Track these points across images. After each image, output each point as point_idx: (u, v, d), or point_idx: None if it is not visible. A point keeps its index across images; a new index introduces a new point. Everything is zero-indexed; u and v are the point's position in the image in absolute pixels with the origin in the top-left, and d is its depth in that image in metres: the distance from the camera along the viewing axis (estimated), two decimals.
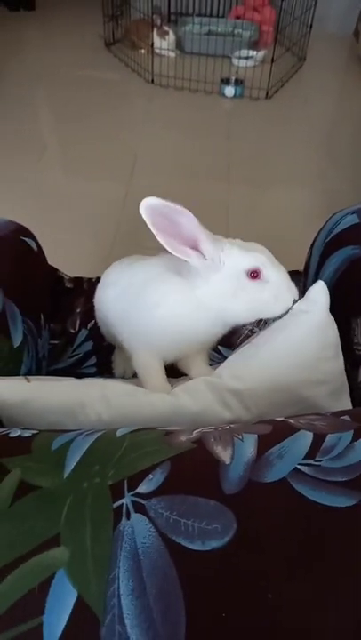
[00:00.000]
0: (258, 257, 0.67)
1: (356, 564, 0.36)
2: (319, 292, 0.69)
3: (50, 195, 2.24)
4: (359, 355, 0.91)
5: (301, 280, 1.26)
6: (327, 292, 0.70)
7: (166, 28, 3.21)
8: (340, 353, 0.71)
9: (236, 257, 0.66)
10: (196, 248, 0.65)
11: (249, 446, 0.45)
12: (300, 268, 1.27)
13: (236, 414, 0.64)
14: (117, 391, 0.66)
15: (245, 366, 0.66)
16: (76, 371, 1.05)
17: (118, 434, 0.49)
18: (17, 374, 0.83)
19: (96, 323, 1.11)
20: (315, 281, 1.14)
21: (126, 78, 3.14)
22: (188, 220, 0.63)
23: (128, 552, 0.36)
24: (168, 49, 3.24)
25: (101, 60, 3.31)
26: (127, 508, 0.38)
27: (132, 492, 0.40)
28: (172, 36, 3.24)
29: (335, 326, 0.73)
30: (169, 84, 3.02)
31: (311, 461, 0.43)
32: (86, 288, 1.22)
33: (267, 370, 0.65)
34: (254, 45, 3.29)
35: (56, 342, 1.09)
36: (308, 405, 0.65)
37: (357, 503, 0.39)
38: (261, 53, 3.16)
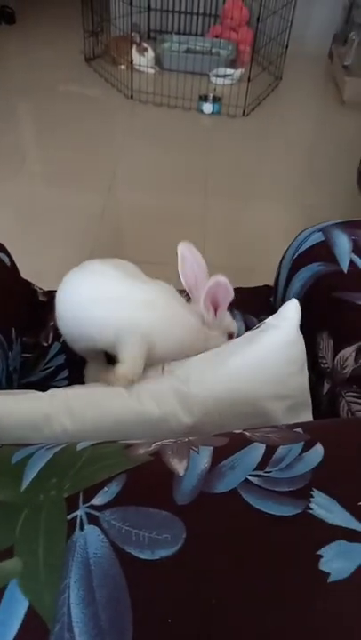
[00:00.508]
0: (235, 326, 0.92)
1: (299, 569, 0.38)
2: (291, 310, 0.72)
3: (27, 207, 2.25)
4: (324, 368, 0.94)
5: (272, 294, 1.29)
6: (299, 309, 0.73)
7: (145, 44, 3.27)
8: (305, 369, 0.74)
9: (228, 324, 0.90)
10: (215, 309, 0.84)
11: (204, 458, 0.47)
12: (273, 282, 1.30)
13: (199, 422, 0.66)
14: (81, 401, 0.67)
15: (214, 374, 0.68)
16: (48, 384, 1.05)
17: (79, 447, 0.50)
18: None
19: None
20: (283, 295, 1.18)
21: (106, 93, 3.18)
22: (227, 296, 0.82)
23: (80, 562, 0.37)
24: (147, 65, 3.29)
25: (82, 74, 3.35)
26: (81, 519, 0.40)
27: (86, 504, 0.41)
28: (151, 53, 3.29)
29: (303, 343, 0.75)
30: (148, 100, 3.07)
31: (261, 472, 0.45)
32: None
33: (233, 380, 0.67)
34: (232, 64, 3.37)
35: (28, 355, 1.10)
36: (269, 419, 0.67)
37: (301, 512, 0.41)
38: (239, 72, 3.23)
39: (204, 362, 0.68)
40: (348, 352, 0.90)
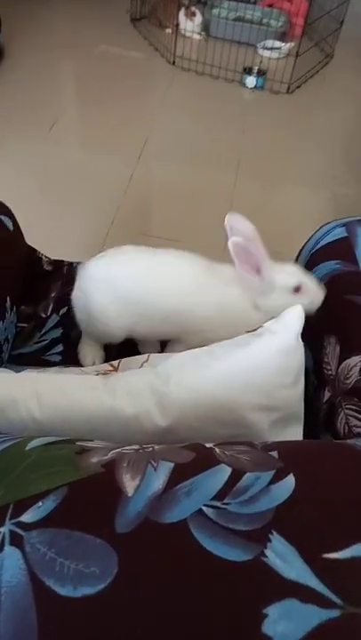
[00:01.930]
0: (298, 276, 0.89)
1: (239, 630, 0.33)
2: (294, 317, 0.65)
3: (52, 169, 2.20)
4: (327, 374, 0.87)
5: None
6: (303, 318, 0.66)
7: (194, 9, 3.12)
8: (302, 380, 0.68)
9: (284, 279, 0.87)
10: (258, 272, 0.85)
11: (160, 477, 0.42)
12: None
13: (173, 424, 0.61)
14: (51, 388, 0.63)
15: (196, 376, 0.63)
16: (39, 357, 1.02)
17: (29, 446, 0.46)
18: None
19: (70, 309, 1.08)
20: None
21: (148, 57, 3.06)
22: (258, 252, 0.83)
23: None
24: (193, 31, 3.15)
25: (125, 35, 3.23)
26: (3, 538, 0.35)
27: (13, 520, 0.37)
28: (199, 18, 3.14)
29: (302, 353, 0.69)
30: (190, 68, 2.94)
31: (218, 503, 0.40)
32: (65, 272, 1.19)
33: (217, 385, 0.62)
34: (282, 36, 3.19)
35: (24, 325, 1.06)
36: (250, 431, 0.61)
37: (253, 559, 0.36)
38: (288, 45, 3.06)
39: (188, 361, 0.62)
40: (355, 362, 0.83)
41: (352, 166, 2.46)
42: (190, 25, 3.12)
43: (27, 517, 0.37)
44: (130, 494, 0.40)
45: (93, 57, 3.00)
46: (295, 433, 0.67)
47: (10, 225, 1.01)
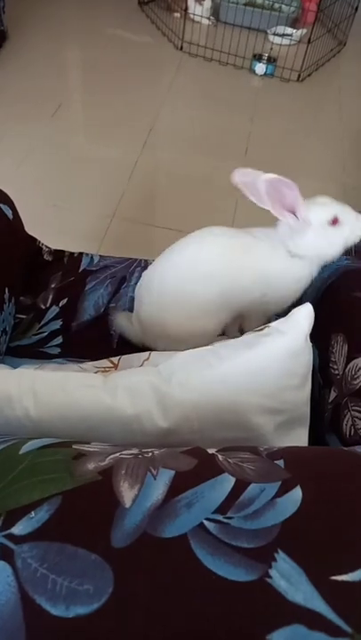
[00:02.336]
0: (332, 207, 0.85)
1: None
2: (303, 316, 0.63)
3: (56, 154, 2.16)
4: (334, 374, 0.85)
5: None
6: (312, 317, 0.63)
7: None
8: (308, 382, 0.65)
9: (319, 213, 0.84)
10: (292, 212, 0.82)
11: (159, 487, 0.40)
12: None
13: (175, 425, 0.59)
14: (48, 385, 0.60)
15: (200, 376, 0.60)
16: (38, 349, 1.00)
17: (23, 450, 0.43)
18: None
19: (70, 301, 1.06)
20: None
21: (156, 42, 3.00)
22: (291, 191, 0.80)
23: None
24: (203, 15, 3.08)
25: (132, 19, 3.16)
26: None
27: (4, 532, 0.34)
28: (208, 3, 3.07)
29: (310, 354, 0.66)
30: (198, 54, 2.88)
31: (221, 517, 0.37)
32: (66, 263, 1.16)
33: (222, 386, 0.59)
34: (294, 23, 3.13)
35: (23, 317, 1.04)
36: (254, 435, 0.59)
37: (257, 580, 0.33)
38: (300, 32, 3.00)
39: (192, 361, 0.60)
40: None
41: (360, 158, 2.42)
42: (199, 9, 3.05)
43: (18, 529, 0.35)
44: (127, 505, 0.38)
45: (99, 41, 2.94)
46: (300, 436, 0.65)
47: (9, 214, 0.98)
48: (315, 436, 0.77)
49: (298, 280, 0.90)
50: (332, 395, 0.83)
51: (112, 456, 0.44)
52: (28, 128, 2.26)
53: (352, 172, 2.31)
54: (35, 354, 0.98)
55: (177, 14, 3.09)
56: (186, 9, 2.92)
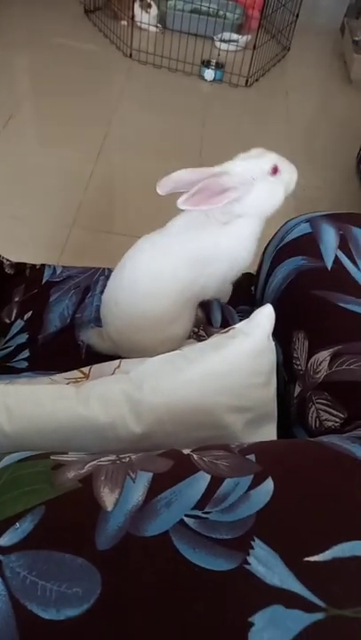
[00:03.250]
0: (270, 157, 0.87)
1: (225, 636, 0.33)
2: (265, 317, 0.66)
3: (9, 166, 2.14)
4: (297, 369, 0.88)
5: (253, 283, 1.23)
6: (273, 317, 0.67)
7: (150, 0, 3.08)
8: (274, 380, 0.68)
9: (260, 166, 0.85)
10: (225, 192, 0.81)
11: (138, 489, 0.41)
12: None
13: (149, 430, 0.60)
14: (21, 400, 0.61)
15: (171, 380, 0.62)
16: (5, 364, 0.99)
17: (2, 464, 0.44)
18: None
19: (34, 312, 1.06)
20: (264, 287, 1.11)
21: (104, 50, 3.01)
22: (213, 180, 0.80)
23: None
24: (150, 23, 3.12)
25: (79, 28, 3.16)
26: None
27: None
28: (154, 10, 3.11)
29: (274, 353, 0.69)
30: (148, 61, 2.92)
31: (199, 512, 0.40)
32: (28, 275, 1.16)
33: (192, 388, 0.61)
34: (239, 29, 3.20)
35: None
36: (225, 432, 0.61)
37: (237, 567, 0.36)
38: (245, 38, 3.07)
39: (162, 366, 0.62)
40: (323, 356, 0.85)
41: (312, 158, 2.50)
42: (146, 17, 3.08)
43: (4, 541, 0.36)
44: (109, 509, 0.39)
45: (47, 50, 2.93)
46: (269, 431, 0.68)
47: None
48: (283, 430, 0.81)
49: (247, 239, 0.91)
50: (297, 389, 0.87)
51: (90, 464, 0.46)
52: None
53: (302, 171, 2.38)
54: (2, 369, 0.98)
55: (124, 22, 3.11)
56: (133, 17, 2.95)
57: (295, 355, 0.91)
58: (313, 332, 0.88)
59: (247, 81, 2.88)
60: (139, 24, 3.04)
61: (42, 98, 2.59)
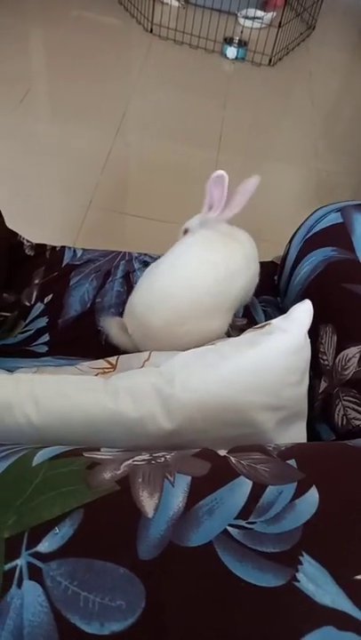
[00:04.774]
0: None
1: None
2: (303, 313, 0.63)
3: (26, 143, 2.10)
4: (324, 365, 0.86)
5: (277, 272, 1.20)
6: (311, 313, 0.64)
7: None
8: (307, 377, 0.66)
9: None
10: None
11: (178, 494, 0.40)
12: (280, 250, 1.21)
13: (179, 426, 0.59)
14: (49, 390, 0.59)
15: (203, 376, 0.60)
16: (25, 348, 0.98)
17: (36, 461, 0.43)
18: None
19: (54, 296, 1.04)
20: (290, 277, 1.09)
21: (124, 24, 2.93)
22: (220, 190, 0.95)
23: (11, 631, 0.30)
24: None
25: (100, 0, 3.08)
26: (21, 572, 0.33)
27: (30, 551, 0.34)
28: None
29: (309, 350, 0.67)
30: (168, 37, 2.84)
31: (243, 522, 0.38)
32: (48, 257, 1.14)
33: (226, 386, 0.59)
34: (263, 6, 3.10)
35: (7, 314, 1.02)
36: (256, 431, 0.60)
37: (285, 584, 0.34)
38: (270, 15, 2.98)
39: (195, 361, 0.60)
40: (353, 352, 0.82)
41: (333, 142, 2.43)
42: None
43: (43, 547, 0.34)
44: (150, 515, 0.38)
45: (66, 23, 2.86)
46: (299, 430, 0.66)
47: None
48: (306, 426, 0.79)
49: None
50: (323, 385, 0.85)
51: (126, 463, 0.44)
52: None
53: (324, 155, 2.33)
54: (22, 353, 0.96)
55: None
56: None
57: (321, 349, 0.88)
58: (342, 327, 0.86)
59: (270, 60, 2.80)
60: None
61: (59, 72, 2.53)
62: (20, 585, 0.32)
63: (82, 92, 2.41)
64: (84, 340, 1.00)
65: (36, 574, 0.33)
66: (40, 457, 0.44)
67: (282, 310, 1.14)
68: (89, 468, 0.43)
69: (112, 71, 2.61)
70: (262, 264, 1.30)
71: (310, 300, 0.99)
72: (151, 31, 2.85)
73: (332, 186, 2.16)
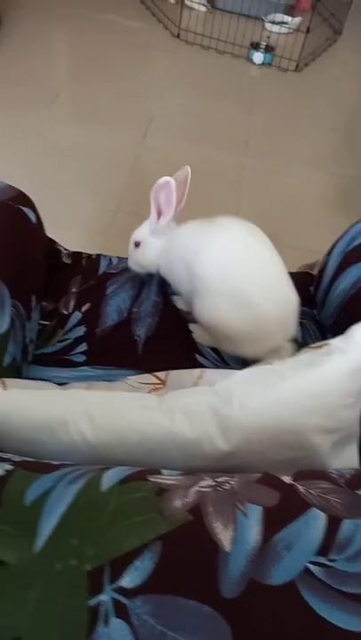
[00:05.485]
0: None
1: None
2: None
3: (55, 147, 2.11)
4: None
5: (312, 283, 1.18)
6: None
7: None
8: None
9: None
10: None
11: (252, 526, 0.39)
12: (306, 253, 1.20)
13: (236, 448, 0.58)
14: (103, 408, 0.59)
15: (261, 397, 0.59)
16: (63, 357, 0.98)
17: (105, 486, 0.42)
18: (0, 365, 0.76)
19: (92, 305, 1.04)
20: (328, 290, 1.07)
21: (151, 28, 2.94)
22: (168, 196, 0.97)
23: None
24: (199, 2, 3.02)
25: (127, 5, 3.08)
26: (106, 608, 0.32)
27: (113, 585, 0.33)
28: None
29: None
30: (195, 41, 2.83)
31: (324, 560, 0.37)
32: (84, 265, 1.13)
33: (284, 408, 0.58)
34: (290, 10, 3.08)
35: (46, 323, 1.02)
36: (312, 453, 0.59)
37: None
38: (297, 20, 2.96)
39: (252, 381, 0.59)
40: None
41: (359, 147, 2.41)
42: None
43: (126, 581, 0.34)
44: (227, 549, 0.37)
45: (93, 27, 2.87)
46: (352, 452, 0.65)
47: (33, 217, 0.95)
48: None
49: None
50: None
51: (193, 490, 0.43)
52: (25, 118, 2.20)
53: (349, 161, 2.31)
54: (60, 362, 0.96)
55: (172, 0, 3.02)
56: None
57: None
58: None
59: (297, 65, 2.78)
60: (188, 3, 2.95)
61: (88, 76, 2.53)
62: (106, 622, 0.32)
63: (109, 95, 2.42)
64: (121, 350, 0.99)
65: (121, 612, 0.32)
66: (107, 481, 0.43)
67: (318, 323, 1.12)
68: (158, 495, 0.42)
69: (139, 75, 2.61)
70: (297, 274, 1.29)
71: (350, 313, 0.98)
72: (178, 36, 2.85)
73: (357, 191, 2.14)
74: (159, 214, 0.99)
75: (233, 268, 0.85)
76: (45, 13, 2.89)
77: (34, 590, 0.32)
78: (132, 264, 1.07)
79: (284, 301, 0.88)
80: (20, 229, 0.90)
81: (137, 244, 1.04)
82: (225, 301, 0.84)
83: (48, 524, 0.37)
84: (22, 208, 0.93)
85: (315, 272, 1.21)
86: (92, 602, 0.32)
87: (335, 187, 2.18)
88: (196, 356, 0.98)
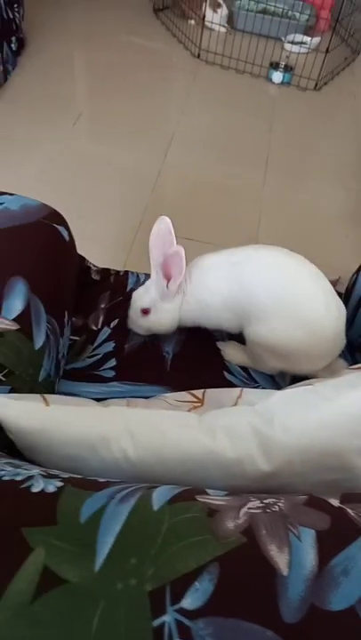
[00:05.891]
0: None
1: None
2: None
3: (79, 164, 2.14)
4: None
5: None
6: None
7: (220, 0, 3.04)
8: None
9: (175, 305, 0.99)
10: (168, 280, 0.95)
11: (308, 551, 0.39)
12: (326, 269, 1.20)
13: (277, 469, 0.58)
14: (144, 425, 0.59)
15: (304, 418, 0.59)
16: (93, 372, 0.98)
17: (155, 506, 0.42)
18: (35, 380, 0.77)
19: (120, 321, 1.05)
20: (357, 308, 1.07)
21: (172, 49, 2.99)
22: (179, 264, 0.92)
23: None
24: (219, 23, 3.07)
25: (148, 26, 3.15)
26: (170, 629, 0.32)
27: (175, 606, 0.33)
28: (224, 10, 3.07)
29: None
30: (215, 62, 2.88)
31: None
32: (112, 282, 1.15)
33: (326, 430, 0.58)
34: (309, 31, 3.13)
35: (76, 338, 1.03)
36: (353, 476, 0.58)
37: None
38: (316, 40, 3.00)
39: (293, 402, 0.59)
40: None
41: None
42: (216, 17, 3.04)
43: (188, 603, 0.34)
44: (285, 573, 0.37)
45: (115, 48, 2.93)
46: None
47: (65, 235, 0.97)
48: None
49: None
50: None
51: (242, 511, 0.43)
52: (50, 136, 2.24)
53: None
54: (90, 377, 0.97)
55: (192, 21, 3.08)
56: (203, 17, 2.91)
57: None
58: None
59: (316, 84, 2.81)
60: (208, 24, 3.00)
61: (110, 95, 2.58)
62: None
63: (131, 114, 2.46)
64: (150, 366, 1.00)
65: (185, 634, 0.32)
66: (157, 500, 0.43)
67: (348, 341, 1.12)
68: (210, 516, 0.42)
69: (160, 95, 2.66)
70: None
71: None
72: (199, 56, 2.90)
73: None
74: (168, 279, 0.93)
75: (291, 288, 0.84)
76: (68, 34, 2.96)
77: (97, 609, 0.33)
78: (139, 330, 1.01)
79: (339, 314, 0.87)
80: (55, 247, 0.92)
81: (145, 312, 0.97)
82: (286, 322, 0.83)
83: (106, 543, 0.37)
84: (56, 226, 0.95)
85: (338, 288, 1.21)
86: (156, 623, 0.32)
87: (354, 203, 2.18)
88: (225, 373, 0.98)
